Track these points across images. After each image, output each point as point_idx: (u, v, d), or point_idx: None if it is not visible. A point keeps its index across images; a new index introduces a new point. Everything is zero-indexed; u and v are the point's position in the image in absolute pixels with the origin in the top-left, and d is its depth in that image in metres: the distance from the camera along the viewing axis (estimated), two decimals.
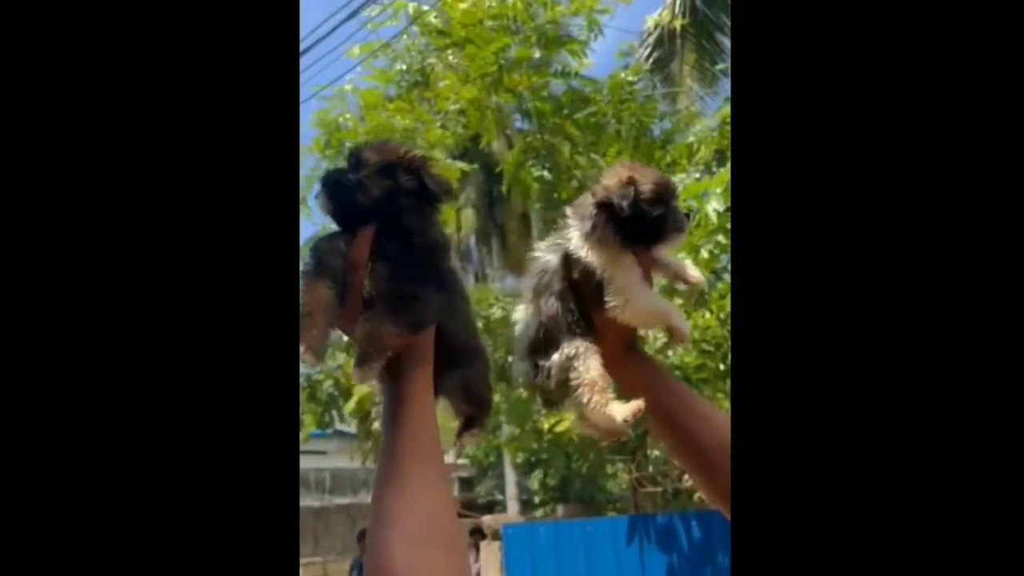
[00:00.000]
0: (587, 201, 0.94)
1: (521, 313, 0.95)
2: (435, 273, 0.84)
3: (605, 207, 0.91)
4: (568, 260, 0.93)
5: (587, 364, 0.88)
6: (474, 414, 0.92)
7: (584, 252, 0.91)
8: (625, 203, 0.90)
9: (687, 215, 0.96)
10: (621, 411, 0.85)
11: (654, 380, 0.92)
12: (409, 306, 0.79)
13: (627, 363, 0.92)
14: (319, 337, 0.79)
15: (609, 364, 0.89)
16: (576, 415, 0.97)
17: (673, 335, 0.94)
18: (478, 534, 7.59)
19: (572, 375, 0.88)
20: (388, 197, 0.81)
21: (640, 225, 0.91)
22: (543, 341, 0.91)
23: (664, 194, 0.93)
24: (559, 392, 0.90)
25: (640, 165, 0.96)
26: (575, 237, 0.92)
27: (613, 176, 0.94)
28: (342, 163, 0.86)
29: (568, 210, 0.96)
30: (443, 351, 0.85)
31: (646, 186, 0.92)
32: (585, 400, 0.87)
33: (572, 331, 0.90)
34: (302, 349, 0.78)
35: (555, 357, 0.89)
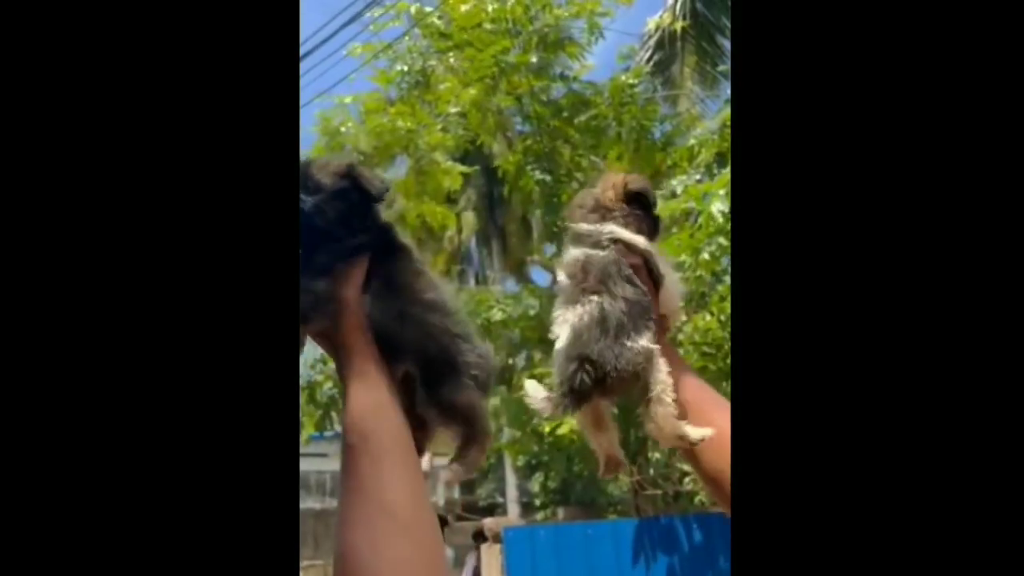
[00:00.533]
0: (608, 196, 0.98)
1: (591, 304, 0.92)
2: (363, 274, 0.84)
3: (638, 199, 0.97)
4: (619, 247, 0.95)
5: (663, 362, 0.88)
6: (461, 431, 0.88)
7: (635, 239, 0.95)
8: (652, 196, 0.98)
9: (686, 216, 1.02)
10: (694, 432, 0.85)
11: (682, 373, 0.91)
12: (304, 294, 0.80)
13: (667, 354, 0.92)
14: None
15: None
16: (586, 420, 0.96)
17: (670, 323, 0.98)
18: (479, 537, 7.57)
19: (655, 368, 0.87)
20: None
21: (651, 221, 0.99)
22: (627, 325, 0.89)
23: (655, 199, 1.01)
24: (629, 382, 0.88)
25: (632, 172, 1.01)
26: (614, 227, 0.95)
27: (618, 179, 0.99)
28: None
29: (588, 199, 1.00)
30: (399, 359, 0.85)
31: (650, 189, 1.00)
32: (668, 399, 0.86)
33: (651, 313, 0.91)
34: None
35: (643, 342, 0.88)
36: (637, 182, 0.99)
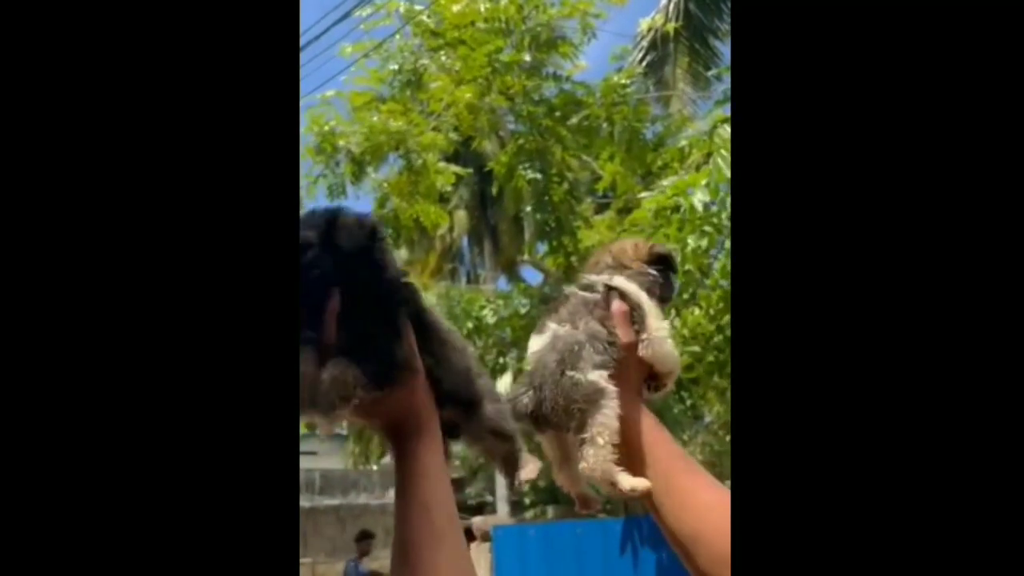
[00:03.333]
0: (634, 254, 1.01)
1: (548, 331, 0.95)
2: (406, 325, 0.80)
3: (660, 261, 1.01)
4: (609, 294, 0.97)
5: (611, 405, 0.88)
6: (505, 453, 0.92)
7: (628, 287, 0.97)
8: (674, 263, 1.04)
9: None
10: (627, 481, 0.85)
11: (658, 434, 0.90)
12: (369, 356, 0.76)
13: (635, 407, 0.91)
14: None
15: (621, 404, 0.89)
16: (551, 452, 0.98)
17: (665, 382, 0.98)
18: (468, 536, 7.57)
19: (599, 409, 0.87)
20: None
21: (667, 286, 1.03)
22: (575, 357, 0.91)
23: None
24: (570, 412, 0.89)
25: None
26: (619, 279, 0.98)
27: (642, 243, 1.04)
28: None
29: (606, 256, 1.03)
30: (446, 403, 0.84)
31: (674, 256, 1.05)
32: (601, 441, 0.86)
33: (608, 353, 0.92)
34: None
35: (592, 375, 0.88)
36: (662, 247, 1.03)
